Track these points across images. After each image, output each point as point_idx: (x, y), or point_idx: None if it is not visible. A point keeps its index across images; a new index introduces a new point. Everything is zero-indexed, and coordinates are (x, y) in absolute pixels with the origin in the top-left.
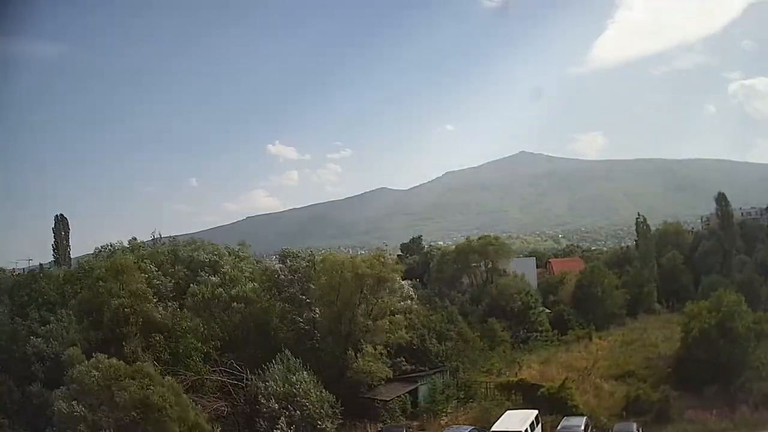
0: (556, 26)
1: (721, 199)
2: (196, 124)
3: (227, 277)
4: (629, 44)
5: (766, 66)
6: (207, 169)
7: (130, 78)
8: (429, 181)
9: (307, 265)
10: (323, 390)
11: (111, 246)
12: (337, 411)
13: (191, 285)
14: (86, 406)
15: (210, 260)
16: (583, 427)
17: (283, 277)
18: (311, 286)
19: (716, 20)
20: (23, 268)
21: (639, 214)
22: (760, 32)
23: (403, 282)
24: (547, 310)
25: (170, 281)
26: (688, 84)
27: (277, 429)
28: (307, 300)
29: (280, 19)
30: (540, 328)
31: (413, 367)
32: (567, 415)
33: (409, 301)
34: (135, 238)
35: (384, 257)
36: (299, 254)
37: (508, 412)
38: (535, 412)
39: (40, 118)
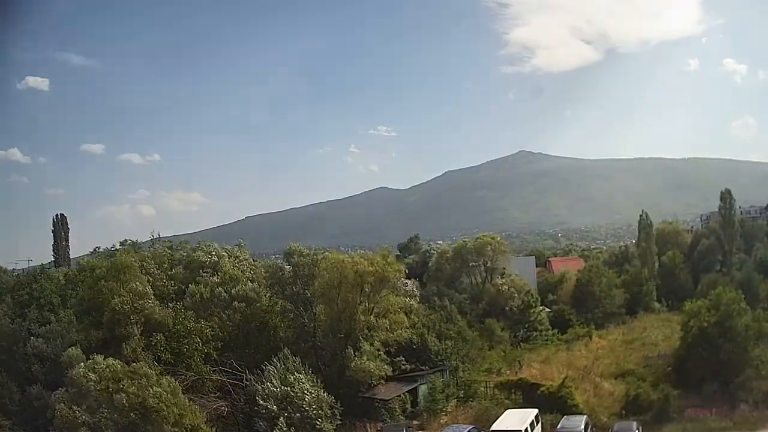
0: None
1: (726, 195)
2: (195, 124)
3: (227, 276)
4: None
5: None
6: (205, 168)
7: (127, 78)
8: (429, 181)
9: (310, 263)
10: (322, 390)
11: (110, 247)
12: (336, 411)
13: (190, 285)
14: (86, 408)
15: (209, 261)
16: (583, 426)
17: (287, 274)
18: (314, 283)
19: None
20: (23, 269)
21: (643, 212)
22: None
23: (406, 281)
24: (547, 309)
25: (170, 281)
26: None
27: (275, 429)
28: (309, 296)
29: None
30: (540, 327)
31: (413, 366)
32: (567, 414)
33: (409, 299)
34: (134, 240)
35: (388, 256)
36: (303, 251)
37: (507, 411)
38: (535, 411)
39: (40, 117)
